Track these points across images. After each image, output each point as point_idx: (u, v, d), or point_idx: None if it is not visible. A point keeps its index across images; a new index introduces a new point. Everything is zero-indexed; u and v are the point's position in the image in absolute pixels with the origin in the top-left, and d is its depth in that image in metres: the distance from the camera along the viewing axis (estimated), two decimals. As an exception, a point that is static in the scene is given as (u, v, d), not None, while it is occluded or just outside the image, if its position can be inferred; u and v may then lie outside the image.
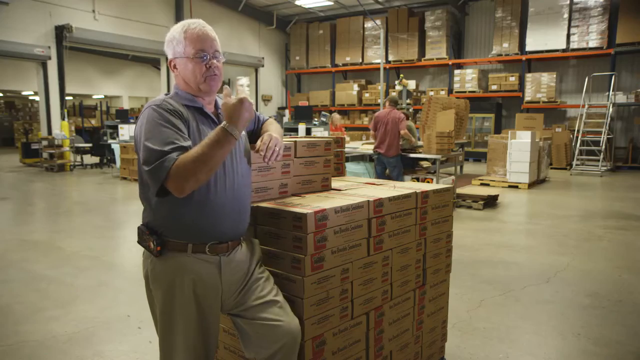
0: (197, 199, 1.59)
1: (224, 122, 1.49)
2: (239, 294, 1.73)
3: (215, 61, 1.64)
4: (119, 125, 11.90)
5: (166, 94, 1.68)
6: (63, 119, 13.00)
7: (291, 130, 9.33)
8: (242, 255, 1.75)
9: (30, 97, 23.71)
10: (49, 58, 12.54)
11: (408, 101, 12.06)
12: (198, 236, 1.62)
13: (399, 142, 6.86)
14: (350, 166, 7.90)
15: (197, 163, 1.45)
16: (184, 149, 1.50)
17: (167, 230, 1.62)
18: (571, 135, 12.97)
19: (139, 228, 1.68)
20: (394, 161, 6.91)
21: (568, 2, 13.32)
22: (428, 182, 7.12)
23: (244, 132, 1.80)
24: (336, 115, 10.19)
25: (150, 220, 1.64)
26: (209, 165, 1.48)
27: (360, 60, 17.08)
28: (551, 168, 12.24)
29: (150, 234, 1.62)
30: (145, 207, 1.66)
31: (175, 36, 1.63)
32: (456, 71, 15.38)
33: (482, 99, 15.10)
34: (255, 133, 1.95)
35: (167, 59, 1.69)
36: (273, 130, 1.85)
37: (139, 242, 1.69)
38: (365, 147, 8.02)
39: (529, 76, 14.07)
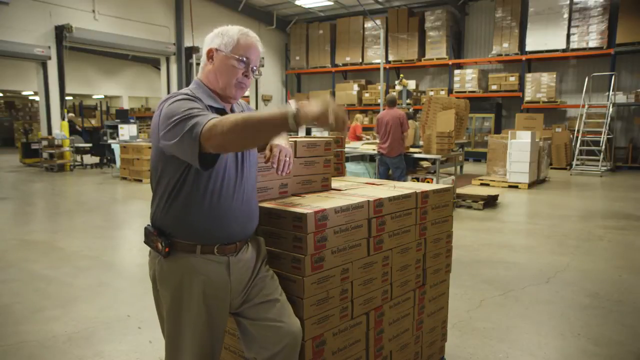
0: (207, 203, 1.59)
1: (292, 111, 1.34)
2: (245, 292, 1.73)
3: (251, 72, 1.66)
4: (119, 125, 11.90)
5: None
6: (63, 119, 13.00)
7: (291, 130, 9.32)
8: (249, 254, 1.75)
9: (30, 97, 23.72)
10: (49, 58, 12.54)
11: (408, 101, 12.07)
12: (207, 238, 1.62)
13: (401, 141, 6.84)
14: (350, 166, 7.89)
15: (240, 122, 1.34)
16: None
17: (175, 231, 1.61)
18: (571, 135, 12.97)
19: (146, 229, 1.67)
20: (397, 161, 6.89)
21: (568, 2, 13.32)
22: (428, 182, 7.12)
23: None
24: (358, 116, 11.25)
25: (158, 221, 1.63)
26: (249, 131, 1.36)
27: (360, 60, 17.08)
28: (551, 168, 12.24)
29: (158, 235, 1.61)
30: (154, 207, 1.65)
31: (229, 32, 1.64)
32: (456, 71, 15.38)
33: (482, 99, 15.10)
34: None
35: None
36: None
37: (145, 242, 1.68)
38: (365, 147, 8.02)
39: (529, 76, 14.08)
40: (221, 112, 1.64)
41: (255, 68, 1.67)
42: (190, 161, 1.46)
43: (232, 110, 1.74)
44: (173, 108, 1.48)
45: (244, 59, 1.62)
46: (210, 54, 1.65)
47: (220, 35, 1.64)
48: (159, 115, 1.53)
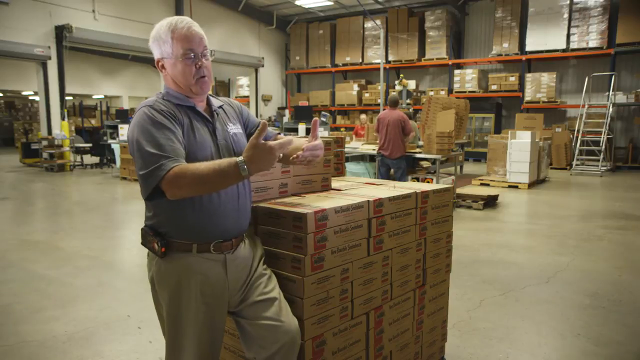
0: (198, 200, 1.59)
1: (241, 158, 1.41)
2: (243, 290, 1.74)
3: (204, 60, 1.62)
4: (119, 125, 11.90)
5: (159, 94, 1.66)
6: (63, 119, 13.00)
7: (291, 130, 9.34)
8: (246, 252, 1.76)
9: (30, 97, 23.71)
10: (49, 58, 12.54)
11: (408, 101, 12.07)
12: (202, 236, 1.62)
13: (402, 142, 6.83)
14: (350, 166, 7.89)
15: (196, 182, 1.44)
16: (179, 156, 1.50)
17: (171, 231, 1.61)
18: (571, 135, 12.97)
19: (142, 229, 1.67)
20: (398, 162, 6.88)
21: (568, 2, 13.33)
22: (428, 182, 7.12)
23: (242, 132, 1.80)
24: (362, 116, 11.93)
25: (154, 222, 1.64)
26: (207, 187, 1.48)
27: (360, 60, 17.08)
28: (551, 168, 12.24)
29: (154, 235, 1.61)
30: (148, 208, 1.66)
31: (161, 35, 1.58)
32: (456, 71, 15.38)
33: (482, 99, 15.10)
34: (250, 135, 1.88)
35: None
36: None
37: (142, 243, 1.68)
38: (366, 147, 8.02)
39: (529, 76, 14.08)
40: (192, 109, 1.65)
41: (205, 52, 1.62)
42: (141, 192, 1.56)
43: (208, 104, 1.72)
44: (142, 134, 1.51)
45: (189, 53, 1.57)
46: (159, 65, 1.64)
47: (156, 42, 1.60)
48: (134, 129, 1.55)
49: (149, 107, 1.56)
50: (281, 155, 1.49)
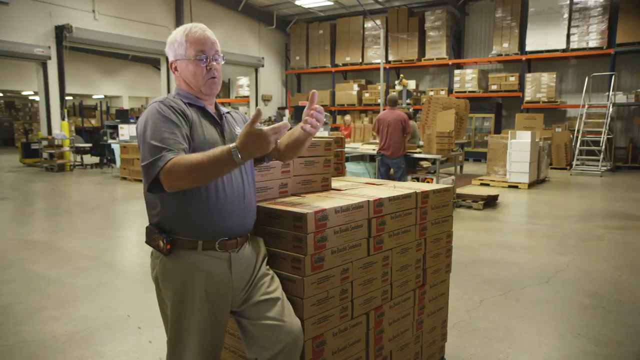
0: (203, 197, 1.61)
1: (234, 145, 1.43)
2: (247, 290, 1.74)
3: (214, 63, 1.69)
4: (119, 125, 11.90)
5: (170, 94, 1.73)
6: (63, 119, 13.00)
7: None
8: (250, 252, 1.77)
9: (30, 97, 23.71)
10: (49, 58, 12.53)
11: (408, 101, 12.08)
12: (207, 233, 1.64)
13: (402, 142, 6.84)
14: (350, 166, 7.89)
15: (192, 170, 1.46)
16: (180, 149, 1.52)
17: (176, 228, 1.62)
18: (571, 135, 12.97)
19: (147, 228, 1.69)
20: (399, 161, 6.89)
21: (568, 2, 13.32)
22: (428, 182, 7.12)
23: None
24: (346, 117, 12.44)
25: (159, 219, 1.65)
26: (202, 175, 1.49)
27: (360, 60, 17.08)
28: (551, 168, 12.24)
29: (160, 233, 1.63)
30: (154, 206, 1.67)
31: (177, 39, 1.68)
32: (456, 71, 15.38)
33: (482, 99, 15.10)
34: None
35: (167, 60, 1.73)
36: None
37: (147, 242, 1.69)
38: (366, 147, 8.02)
39: (529, 76, 14.07)
40: (202, 109, 1.70)
41: (216, 56, 1.70)
42: (143, 185, 1.58)
43: (216, 107, 1.77)
44: (149, 127, 1.56)
45: (203, 57, 1.66)
46: (173, 67, 1.72)
47: (171, 46, 1.70)
48: (142, 122, 1.60)
49: (159, 103, 1.62)
50: (278, 140, 1.50)
